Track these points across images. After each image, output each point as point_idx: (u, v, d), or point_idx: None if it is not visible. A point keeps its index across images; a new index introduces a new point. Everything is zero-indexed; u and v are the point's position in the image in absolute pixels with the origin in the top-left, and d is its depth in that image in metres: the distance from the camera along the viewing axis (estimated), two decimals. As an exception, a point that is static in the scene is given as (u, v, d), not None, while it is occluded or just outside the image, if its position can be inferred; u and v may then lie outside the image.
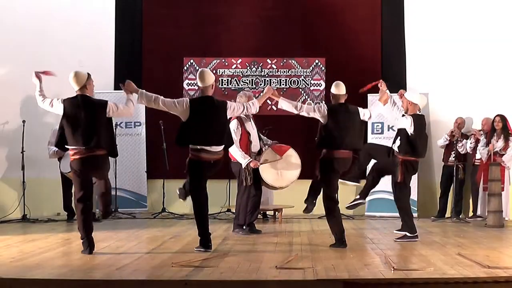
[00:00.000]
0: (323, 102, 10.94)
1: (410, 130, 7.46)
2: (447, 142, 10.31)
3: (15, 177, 10.14)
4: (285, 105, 7.13)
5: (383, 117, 8.83)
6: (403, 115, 7.63)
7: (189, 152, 6.75)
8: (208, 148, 6.67)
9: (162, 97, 6.73)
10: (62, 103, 6.48)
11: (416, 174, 8.22)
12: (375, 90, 7.98)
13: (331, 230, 7.15)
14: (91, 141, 6.38)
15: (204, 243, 6.76)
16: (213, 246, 6.85)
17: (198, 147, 6.65)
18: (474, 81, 10.68)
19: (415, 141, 7.48)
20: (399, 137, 7.61)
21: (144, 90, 6.73)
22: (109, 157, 6.73)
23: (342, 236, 7.06)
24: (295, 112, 7.15)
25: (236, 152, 7.97)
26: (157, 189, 10.93)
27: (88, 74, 6.62)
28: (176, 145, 6.80)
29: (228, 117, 6.89)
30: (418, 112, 7.67)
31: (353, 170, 7.53)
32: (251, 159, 8.03)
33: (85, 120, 6.40)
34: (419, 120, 7.59)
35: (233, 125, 7.97)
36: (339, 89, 7.16)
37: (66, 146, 6.53)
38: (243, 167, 8.04)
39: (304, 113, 7.10)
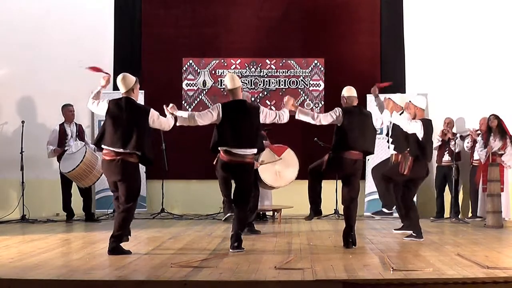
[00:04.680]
0: (323, 102, 11.00)
1: (420, 134, 7.53)
2: (439, 143, 10.30)
3: (14, 178, 10.12)
4: (302, 116, 7.15)
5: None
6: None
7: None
8: (237, 150, 6.70)
9: (196, 112, 6.88)
10: (107, 104, 6.49)
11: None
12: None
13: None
14: (129, 144, 6.36)
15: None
16: (212, 246, 6.88)
17: (228, 149, 6.72)
18: (473, 82, 10.69)
19: (424, 144, 7.58)
20: (407, 142, 7.71)
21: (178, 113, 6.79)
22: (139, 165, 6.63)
23: (346, 231, 7.09)
24: (312, 122, 7.15)
25: None
26: (156, 189, 10.91)
27: (136, 78, 6.62)
28: (211, 150, 6.85)
29: (262, 122, 6.89)
30: (425, 117, 7.82)
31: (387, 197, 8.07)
32: None
33: (126, 123, 6.39)
34: (428, 125, 7.69)
35: None
36: (350, 91, 7.21)
37: (102, 146, 6.51)
38: None
39: (323, 122, 7.10)
